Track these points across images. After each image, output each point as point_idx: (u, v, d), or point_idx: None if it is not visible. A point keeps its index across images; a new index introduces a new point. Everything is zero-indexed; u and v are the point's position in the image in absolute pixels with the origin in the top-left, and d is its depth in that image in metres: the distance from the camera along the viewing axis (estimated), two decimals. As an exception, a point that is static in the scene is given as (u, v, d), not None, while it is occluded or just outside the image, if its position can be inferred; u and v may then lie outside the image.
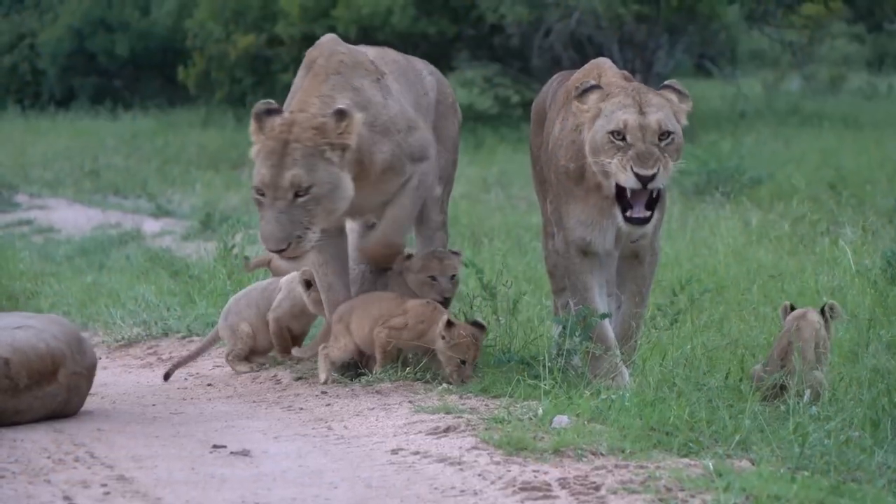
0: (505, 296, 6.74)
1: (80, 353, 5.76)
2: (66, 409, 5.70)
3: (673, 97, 5.92)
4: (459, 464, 4.73)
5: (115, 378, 6.93)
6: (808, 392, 5.55)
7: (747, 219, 11.29)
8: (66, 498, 4.40)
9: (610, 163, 5.75)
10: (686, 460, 4.74)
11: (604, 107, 5.84)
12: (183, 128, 24.95)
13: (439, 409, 5.51)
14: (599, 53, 17.34)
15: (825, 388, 5.66)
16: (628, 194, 5.78)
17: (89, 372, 5.82)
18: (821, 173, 14.50)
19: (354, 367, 6.35)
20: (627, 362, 6.02)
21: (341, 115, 5.85)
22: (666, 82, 6.06)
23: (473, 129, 20.60)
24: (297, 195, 5.76)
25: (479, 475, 4.59)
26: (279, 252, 5.78)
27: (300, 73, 6.28)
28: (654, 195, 5.81)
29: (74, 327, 6.06)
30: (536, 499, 4.35)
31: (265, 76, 24.76)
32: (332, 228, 6.25)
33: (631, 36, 21.63)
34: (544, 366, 5.79)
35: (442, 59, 21.20)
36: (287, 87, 6.64)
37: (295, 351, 6.71)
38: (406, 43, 20.47)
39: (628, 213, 5.78)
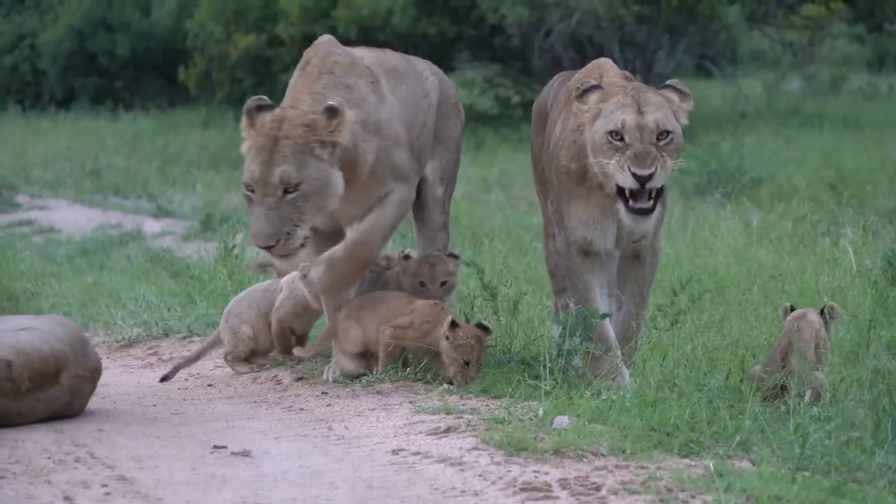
0: (505, 296, 6.74)
1: (83, 356, 5.76)
2: (67, 411, 5.69)
3: (673, 96, 5.92)
4: (460, 464, 4.73)
5: (116, 378, 6.93)
6: (808, 393, 5.55)
7: (748, 219, 11.29)
8: (67, 498, 4.40)
9: (608, 163, 5.76)
10: (687, 461, 4.74)
11: (603, 107, 5.84)
12: (183, 128, 24.97)
13: (440, 409, 5.51)
14: (600, 54, 17.33)
15: (826, 388, 5.66)
16: (627, 194, 5.78)
17: (92, 374, 5.82)
18: (821, 174, 14.50)
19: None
20: (628, 363, 6.02)
21: (332, 112, 5.83)
22: (667, 82, 6.06)
23: (474, 130, 20.60)
24: (286, 192, 5.74)
25: (480, 475, 4.59)
26: (268, 249, 5.76)
27: (295, 73, 6.27)
28: (654, 193, 5.81)
29: (79, 329, 6.04)
30: (537, 499, 4.35)
31: (266, 76, 24.78)
32: (331, 230, 6.24)
33: (631, 36, 21.63)
34: (545, 366, 5.79)
35: (442, 60, 21.16)
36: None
37: (296, 351, 6.70)
38: (406, 43, 20.47)
39: (630, 204, 5.77)
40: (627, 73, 6.30)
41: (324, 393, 6.11)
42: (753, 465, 4.72)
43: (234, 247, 9.08)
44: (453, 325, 5.95)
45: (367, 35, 21.40)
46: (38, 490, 4.49)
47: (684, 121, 5.92)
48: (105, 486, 4.55)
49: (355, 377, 6.25)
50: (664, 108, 5.83)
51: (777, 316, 6.18)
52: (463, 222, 12.40)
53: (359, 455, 4.98)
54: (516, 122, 22.49)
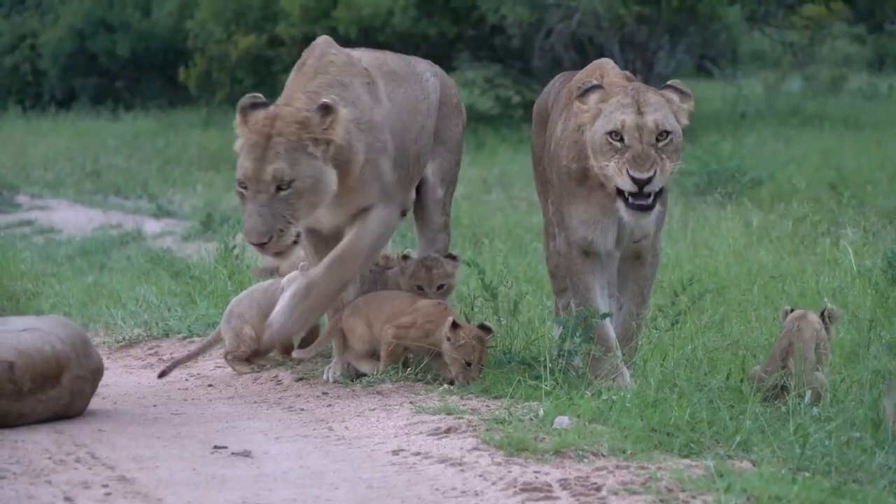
0: (506, 296, 6.74)
1: (85, 357, 5.75)
2: (68, 412, 5.69)
3: (674, 97, 5.92)
4: (460, 464, 4.74)
5: (117, 379, 6.93)
6: (808, 393, 5.55)
7: (748, 219, 11.29)
8: (68, 499, 4.40)
9: (608, 166, 5.75)
10: (687, 461, 4.74)
11: (604, 107, 5.84)
12: (184, 128, 24.98)
13: (440, 409, 5.51)
14: (600, 54, 17.35)
15: (826, 388, 5.66)
16: (626, 194, 5.77)
17: (93, 375, 5.81)
18: (821, 174, 14.50)
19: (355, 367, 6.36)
20: (628, 363, 6.02)
21: (326, 109, 5.81)
22: (668, 82, 6.06)
23: (474, 130, 20.61)
24: (279, 189, 5.73)
25: (481, 476, 4.59)
26: (261, 246, 5.74)
27: (292, 73, 6.27)
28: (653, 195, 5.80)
29: (80, 330, 6.03)
30: (537, 500, 4.35)
31: (266, 77, 24.78)
32: (330, 231, 6.23)
33: (632, 37, 21.63)
34: (545, 366, 5.79)
35: (443, 60, 21.09)
36: (288, 88, 6.62)
37: (296, 353, 6.70)
38: (407, 44, 20.48)
39: (630, 201, 5.76)
40: (629, 73, 6.30)
41: (324, 393, 6.12)
42: (754, 465, 4.72)
43: (234, 247, 9.08)
44: (454, 325, 5.95)
45: (368, 35, 21.40)
46: (38, 490, 4.49)
47: (684, 121, 5.92)
48: (105, 486, 4.55)
49: (357, 377, 6.26)
50: (664, 109, 5.83)
51: (777, 316, 6.18)
52: (463, 222, 12.40)
53: (359, 455, 4.98)
54: (516, 123, 22.49)
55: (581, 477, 4.53)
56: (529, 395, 5.65)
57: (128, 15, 29.90)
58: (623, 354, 5.98)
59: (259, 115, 5.84)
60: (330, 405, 5.88)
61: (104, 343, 7.99)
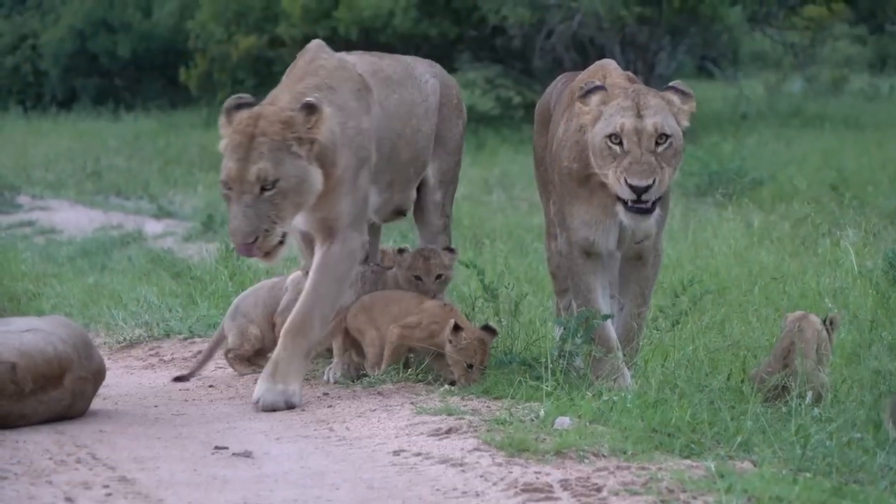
0: (507, 297, 6.73)
1: (87, 358, 5.75)
2: (69, 413, 5.69)
3: (675, 98, 5.90)
4: (461, 465, 4.73)
5: (117, 379, 6.93)
6: (810, 393, 5.55)
7: (749, 220, 11.29)
8: (68, 499, 4.40)
9: (607, 174, 5.75)
10: (688, 462, 4.74)
11: (604, 109, 5.84)
12: (185, 129, 24.97)
13: (441, 410, 5.51)
14: (601, 55, 17.37)
15: (827, 389, 5.66)
16: (626, 200, 5.76)
17: (95, 377, 5.81)
18: (822, 175, 14.50)
19: (356, 368, 6.36)
20: (629, 364, 6.01)
21: (310, 108, 5.78)
22: (670, 83, 6.04)
23: (475, 131, 20.61)
24: (263, 189, 5.69)
25: (481, 476, 4.59)
26: (247, 246, 5.70)
27: (284, 77, 6.26)
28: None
29: (83, 331, 6.03)
30: (538, 500, 4.35)
31: (267, 77, 24.75)
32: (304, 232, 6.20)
33: (633, 37, 21.64)
34: (546, 367, 5.79)
35: (444, 61, 21.10)
36: (289, 89, 6.61)
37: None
38: (408, 44, 20.49)
39: (630, 204, 5.75)
40: (631, 74, 6.29)
41: (325, 394, 6.12)
42: (755, 465, 4.72)
43: (234, 248, 9.06)
44: (456, 328, 5.95)
45: (369, 36, 21.42)
46: (39, 491, 4.49)
47: (685, 123, 5.90)
48: (106, 486, 4.55)
49: (357, 378, 6.26)
50: (664, 112, 5.81)
51: (778, 317, 6.18)
52: (464, 223, 12.40)
53: (360, 456, 4.98)
54: (517, 123, 22.49)
55: (582, 477, 4.53)
56: (530, 396, 5.65)
57: (129, 15, 29.91)
58: (624, 355, 5.98)
59: (243, 115, 5.81)
60: (331, 406, 5.88)
61: (105, 344, 7.99)
